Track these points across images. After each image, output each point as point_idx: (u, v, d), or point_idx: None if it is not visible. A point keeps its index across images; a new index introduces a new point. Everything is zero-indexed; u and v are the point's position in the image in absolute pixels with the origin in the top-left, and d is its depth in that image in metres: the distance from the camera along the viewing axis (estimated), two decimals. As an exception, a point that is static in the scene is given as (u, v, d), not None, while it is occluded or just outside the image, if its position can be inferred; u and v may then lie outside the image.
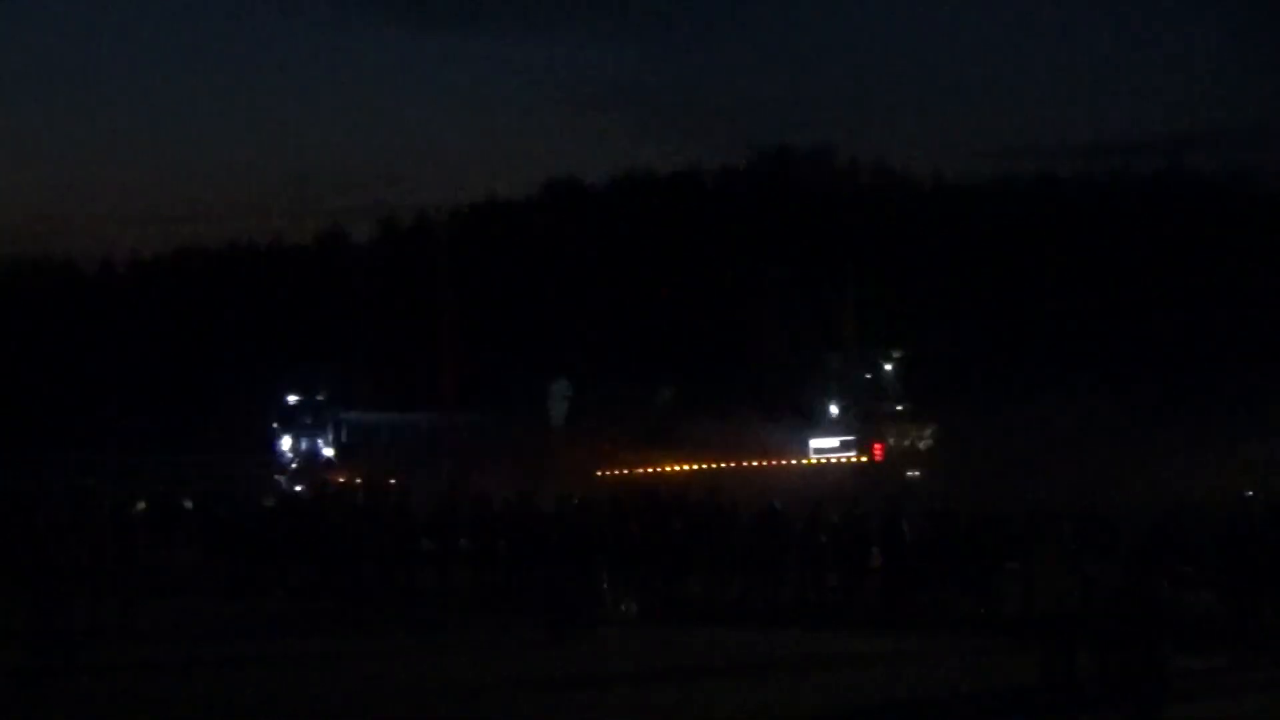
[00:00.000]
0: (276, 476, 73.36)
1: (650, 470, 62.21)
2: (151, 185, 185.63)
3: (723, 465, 61.48)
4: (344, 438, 77.54)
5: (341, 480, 62.93)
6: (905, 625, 29.64)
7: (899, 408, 66.10)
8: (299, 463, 77.62)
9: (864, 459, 61.78)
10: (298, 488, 63.80)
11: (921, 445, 62.80)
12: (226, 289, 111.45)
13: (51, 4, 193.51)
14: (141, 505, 35.65)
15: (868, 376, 68.72)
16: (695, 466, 61.68)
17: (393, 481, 55.30)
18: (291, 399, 79.94)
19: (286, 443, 79.73)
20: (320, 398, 79.14)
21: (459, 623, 30.01)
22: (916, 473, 59.22)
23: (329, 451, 77.42)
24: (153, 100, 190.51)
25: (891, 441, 62.92)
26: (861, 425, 64.62)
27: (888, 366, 67.91)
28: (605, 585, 28.77)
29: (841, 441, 64.33)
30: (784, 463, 61.89)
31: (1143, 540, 26.50)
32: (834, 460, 62.51)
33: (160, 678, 23.32)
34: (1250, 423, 53.42)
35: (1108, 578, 20.70)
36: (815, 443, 64.88)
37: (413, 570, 34.28)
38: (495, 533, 35.26)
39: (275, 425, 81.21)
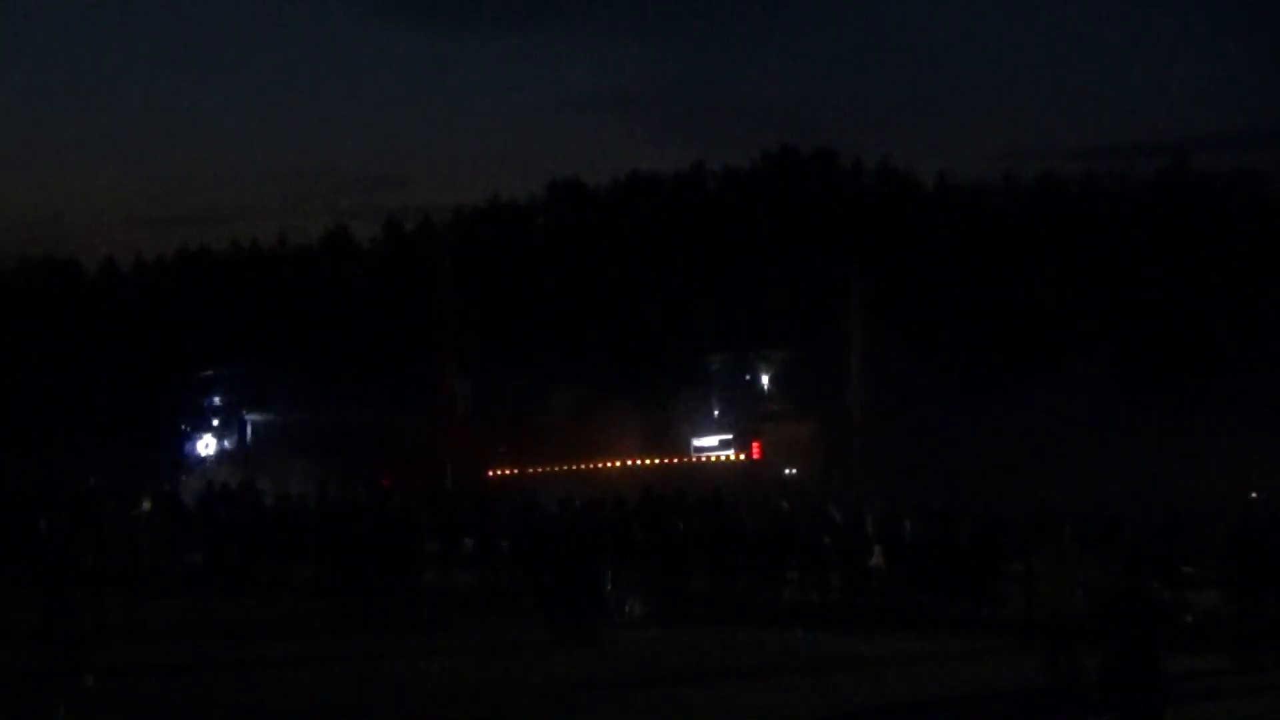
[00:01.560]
0: (184, 476, 73.51)
1: (539, 470, 63.13)
2: (155, 185, 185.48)
3: (608, 465, 62.80)
4: (248, 438, 77.72)
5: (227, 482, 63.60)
6: (908, 626, 29.69)
7: (775, 408, 67.20)
8: (211, 463, 77.85)
9: (743, 457, 62.71)
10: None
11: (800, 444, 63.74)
12: (230, 289, 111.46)
13: (56, 4, 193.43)
14: (146, 505, 35.62)
15: (747, 378, 70.34)
16: (583, 466, 62.78)
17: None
18: (206, 400, 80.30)
19: (199, 443, 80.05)
20: (217, 400, 79.41)
21: (463, 624, 30.02)
22: (794, 470, 60.31)
23: (225, 447, 77.64)
24: (157, 100, 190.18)
25: (770, 441, 63.85)
26: (740, 425, 65.67)
27: (764, 376, 69.22)
28: (610, 586, 28.80)
29: (721, 440, 65.31)
30: (667, 461, 62.85)
31: (1141, 540, 26.51)
32: (715, 459, 63.48)
33: (165, 678, 23.37)
34: (1256, 423, 53.37)
35: (1108, 578, 20.69)
36: (697, 441, 65.85)
37: (418, 571, 34.28)
38: (498, 534, 35.42)
39: (185, 426, 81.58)
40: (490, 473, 63.68)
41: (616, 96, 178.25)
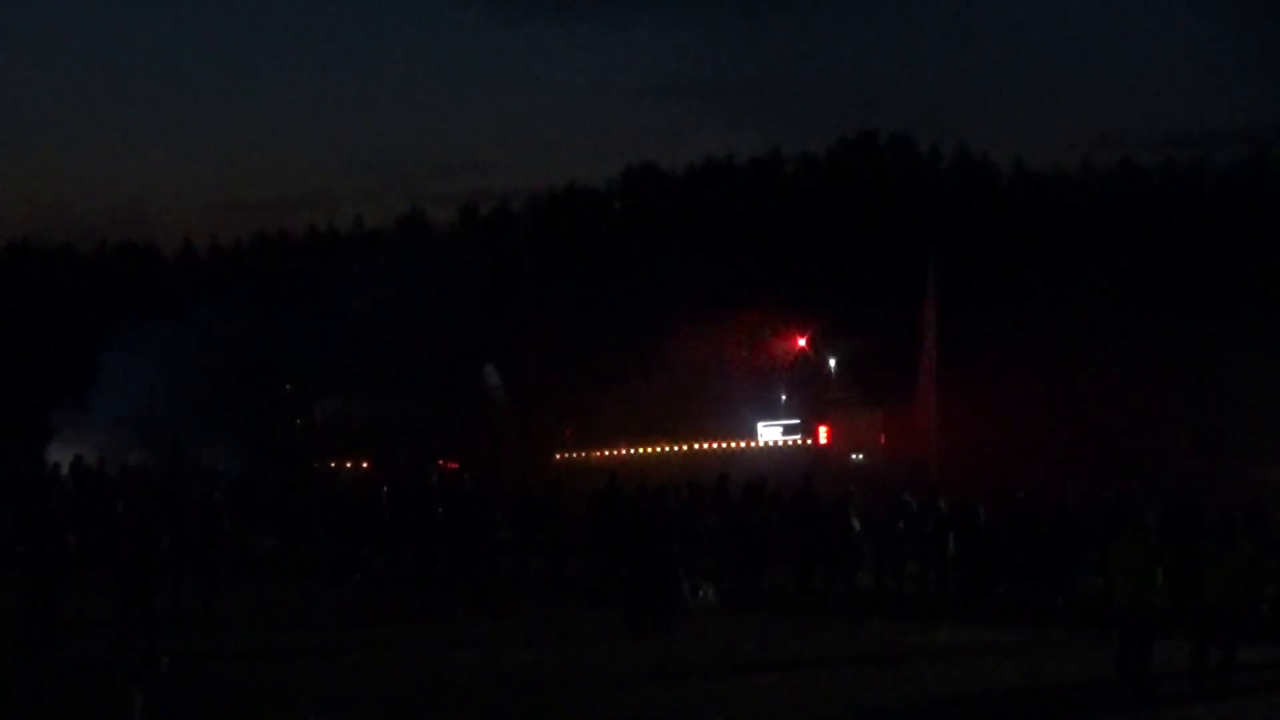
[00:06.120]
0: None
1: (606, 454, 63.31)
2: (233, 170, 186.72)
3: (674, 449, 63.14)
4: (318, 423, 77.94)
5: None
6: (983, 616, 29.54)
7: (841, 395, 67.15)
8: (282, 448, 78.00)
9: (809, 442, 62.81)
10: None
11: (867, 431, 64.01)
12: (306, 273, 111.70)
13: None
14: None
15: (815, 363, 70.43)
16: (648, 450, 62.96)
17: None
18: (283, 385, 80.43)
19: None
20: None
21: (538, 611, 29.97)
22: (860, 456, 60.55)
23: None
24: (235, 85, 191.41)
25: (836, 427, 63.93)
26: (807, 411, 65.61)
27: (832, 360, 69.01)
28: (685, 574, 28.71)
29: (787, 426, 65.26)
30: (735, 446, 62.97)
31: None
32: (782, 444, 63.52)
33: (240, 664, 23.47)
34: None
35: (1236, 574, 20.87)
36: (763, 425, 65.77)
37: (493, 557, 34.19)
38: (572, 519, 35.37)
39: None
40: (557, 456, 63.94)
41: (694, 82, 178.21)
